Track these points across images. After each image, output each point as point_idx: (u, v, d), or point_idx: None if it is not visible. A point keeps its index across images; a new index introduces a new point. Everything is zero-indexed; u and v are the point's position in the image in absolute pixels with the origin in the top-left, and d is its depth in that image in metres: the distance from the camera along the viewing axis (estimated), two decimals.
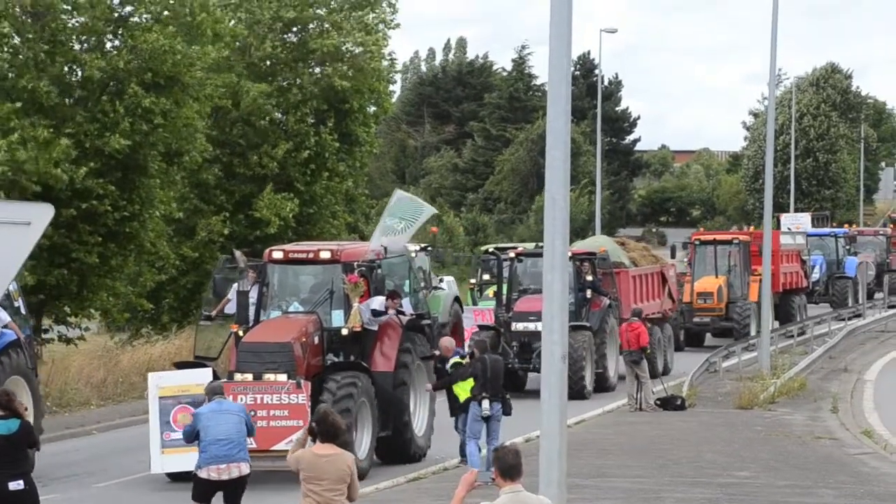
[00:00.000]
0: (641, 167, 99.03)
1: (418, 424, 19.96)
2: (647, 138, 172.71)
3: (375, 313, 19.41)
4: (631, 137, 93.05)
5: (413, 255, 20.83)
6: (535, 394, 25.65)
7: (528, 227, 68.22)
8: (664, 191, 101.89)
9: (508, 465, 8.30)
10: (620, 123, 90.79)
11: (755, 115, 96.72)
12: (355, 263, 19.40)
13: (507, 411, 18.21)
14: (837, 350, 36.15)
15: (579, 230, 65.33)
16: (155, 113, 28.73)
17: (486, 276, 33.86)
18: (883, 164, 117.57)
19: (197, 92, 30.15)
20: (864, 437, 22.59)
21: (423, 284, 21.44)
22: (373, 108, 39.68)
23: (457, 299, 28.33)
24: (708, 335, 38.99)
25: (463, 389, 18.67)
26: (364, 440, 18.49)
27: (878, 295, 52.05)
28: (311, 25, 37.38)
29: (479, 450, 18.00)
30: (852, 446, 21.61)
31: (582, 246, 31.79)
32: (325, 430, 10.47)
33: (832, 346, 35.93)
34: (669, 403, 25.77)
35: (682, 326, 37.38)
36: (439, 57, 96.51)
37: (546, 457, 11.13)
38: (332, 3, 37.65)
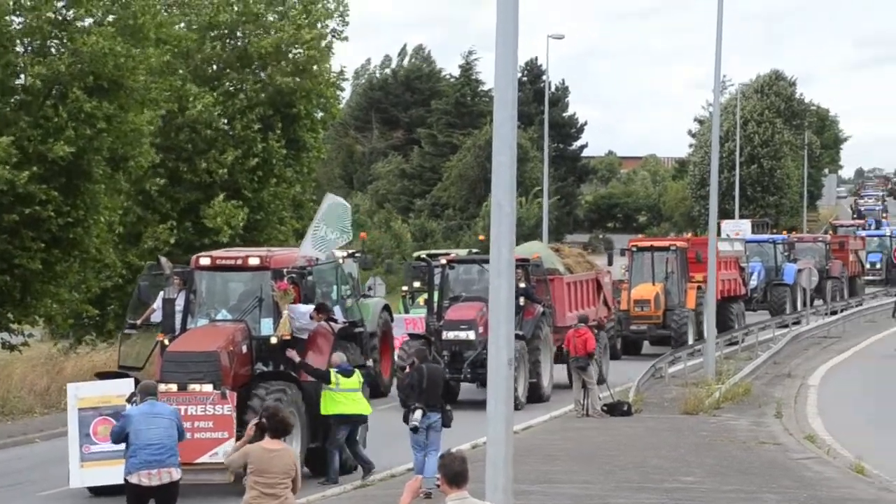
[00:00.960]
0: (588, 173, 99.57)
1: None
2: (594, 144, 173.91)
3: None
4: (578, 143, 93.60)
5: (341, 261, 20.39)
6: (468, 404, 25.75)
7: (475, 233, 68.27)
8: (611, 197, 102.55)
9: (455, 473, 8.32)
10: (567, 129, 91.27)
11: (700, 122, 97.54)
12: (285, 270, 18.88)
13: (445, 422, 17.82)
14: (781, 356, 36.42)
15: (527, 236, 65.48)
16: (98, 118, 28.48)
17: (417, 284, 33.00)
18: (826, 170, 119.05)
19: (142, 96, 29.93)
20: (807, 442, 22.77)
21: (350, 292, 20.87)
22: (320, 114, 39.61)
23: (386, 307, 27.67)
24: (645, 343, 38.41)
25: (324, 400, 18.40)
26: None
27: (817, 302, 51.83)
28: (248, 30, 37.24)
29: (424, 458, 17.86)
30: (796, 451, 21.79)
31: (515, 252, 31.58)
32: (276, 426, 11.00)
33: (776, 351, 36.18)
34: (616, 409, 25.85)
35: (620, 334, 36.87)
36: (395, 63, 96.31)
37: (492, 463, 11.14)
38: (278, 9, 37.58)
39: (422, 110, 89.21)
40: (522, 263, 28.35)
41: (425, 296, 29.41)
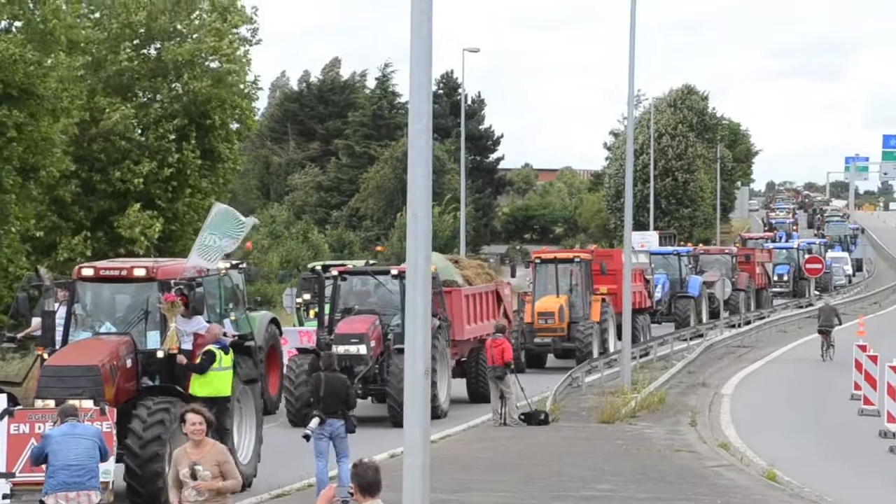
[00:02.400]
0: (505, 185, 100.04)
1: (242, 452, 18.81)
2: (510, 157, 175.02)
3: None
4: (495, 156, 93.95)
5: (223, 272, 19.38)
6: (360, 420, 25.12)
7: (391, 244, 68.29)
8: (528, 208, 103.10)
9: (368, 482, 8.32)
10: (484, 142, 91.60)
11: (616, 135, 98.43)
12: (172, 281, 18.19)
13: (349, 428, 17.80)
14: (696, 365, 36.81)
15: (443, 247, 65.61)
16: (8, 126, 28.07)
17: (307, 296, 31.52)
18: (739, 183, 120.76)
19: (53, 104, 29.55)
20: (721, 450, 23.04)
21: (230, 305, 19.89)
22: (235, 125, 39.44)
23: (273, 320, 26.11)
24: (550, 356, 37.68)
25: (199, 384, 17.78)
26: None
27: (723, 314, 51.03)
28: (158, 34, 36.97)
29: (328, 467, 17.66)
30: (710, 459, 22.03)
31: None
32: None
33: (691, 361, 36.58)
34: (533, 418, 25.94)
35: (523, 347, 36.15)
36: (315, 76, 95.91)
37: (409, 471, 11.09)
38: (191, 19, 37.36)
39: (338, 122, 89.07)
40: None
41: (317, 308, 28.12)
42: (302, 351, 26.50)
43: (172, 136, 36.41)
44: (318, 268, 30.00)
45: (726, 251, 58.65)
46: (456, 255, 38.14)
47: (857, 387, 29.42)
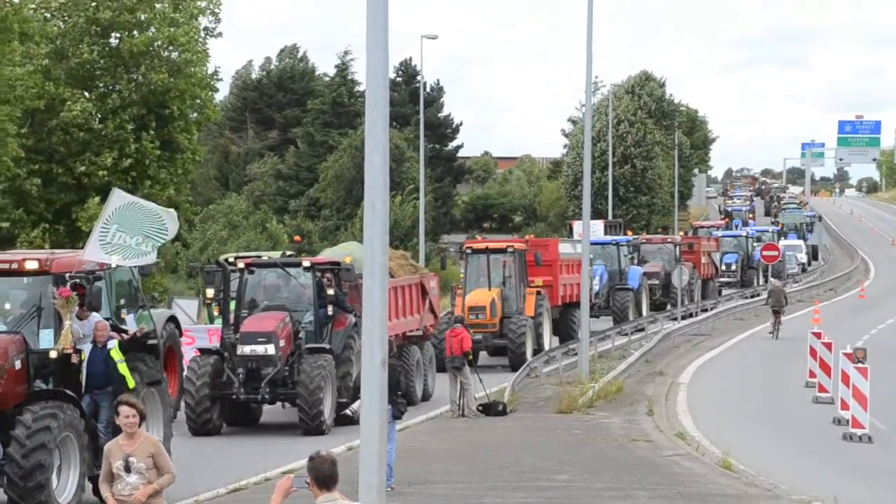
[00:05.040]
0: (465, 173, 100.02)
1: None
2: (469, 145, 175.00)
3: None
4: (454, 144, 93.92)
5: (113, 267, 17.90)
6: (271, 428, 24.60)
7: (352, 234, 68.13)
8: (487, 197, 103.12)
9: (324, 475, 8.28)
10: (443, 130, 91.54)
11: (574, 122, 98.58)
12: (67, 275, 17.01)
13: (394, 414, 17.31)
14: (653, 354, 36.98)
15: (403, 236, 65.58)
16: None
17: (211, 292, 28.24)
18: (696, 170, 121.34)
19: (6, 94, 29.33)
20: (677, 439, 23.18)
21: (123, 302, 18.78)
22: (195, 115, 39.27)
23: (172, 318, 24.23)
24: (483, 353, 34.71)
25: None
26: (70, 480, 16.09)
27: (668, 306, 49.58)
28: (121, 26, 36.81)
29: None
30: (666, 448, 22.16)
31: (330, 254, 28.24)
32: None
33: (648, 349, 36.73)
34: (491, 409, 25.98)
35: None
36: (274, 64, 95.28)
37: (365, 463, 11.11)
38: (154, 7, 37.18)
39: (297, 110, 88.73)
40: (332, 267, 25.36)
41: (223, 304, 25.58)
42: (204, 352, 24.37)
43: (131, 126, 36.23)
44: (230, 259, 27.39)
45: (669, 240, 56.52)
46: None
47: (812, 374, 29.64)
